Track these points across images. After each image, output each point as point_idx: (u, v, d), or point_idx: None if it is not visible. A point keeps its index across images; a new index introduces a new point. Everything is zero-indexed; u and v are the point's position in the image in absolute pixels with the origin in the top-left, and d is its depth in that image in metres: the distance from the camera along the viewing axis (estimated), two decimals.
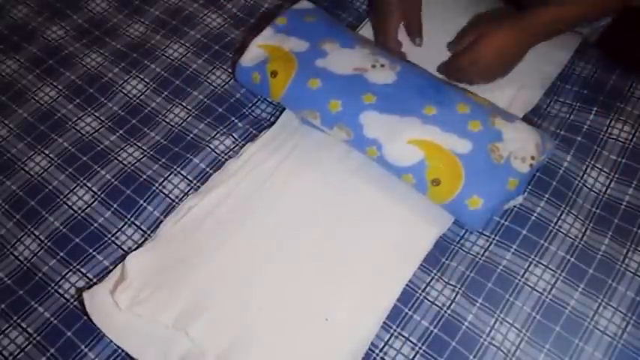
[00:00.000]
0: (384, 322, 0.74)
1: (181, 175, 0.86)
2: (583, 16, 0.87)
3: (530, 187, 0.83)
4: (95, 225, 0.82)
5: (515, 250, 0.78)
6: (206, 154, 0.87)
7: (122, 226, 0.81)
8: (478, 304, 0.74)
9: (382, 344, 0.73)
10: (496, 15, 0.91)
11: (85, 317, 0.74)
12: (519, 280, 0.76)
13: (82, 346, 0.73)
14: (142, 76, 0.96)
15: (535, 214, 0.81)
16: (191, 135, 0.90)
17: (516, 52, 0.87)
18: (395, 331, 0.73)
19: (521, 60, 0.87)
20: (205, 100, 0.93)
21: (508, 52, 0.86)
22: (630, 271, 0.77)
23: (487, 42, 0.85)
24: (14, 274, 0.78)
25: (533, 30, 0.85)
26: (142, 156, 0.87)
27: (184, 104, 0.93)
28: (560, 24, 0.86)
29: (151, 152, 0.88)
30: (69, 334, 0.74)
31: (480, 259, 0.78)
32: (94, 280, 0.78)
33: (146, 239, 0.80)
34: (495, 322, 0.73)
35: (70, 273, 0.78)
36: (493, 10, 0.96)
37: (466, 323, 0.73)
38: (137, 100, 0.94)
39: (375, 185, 0.84)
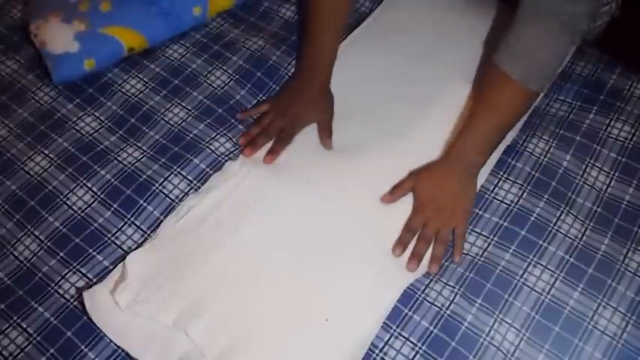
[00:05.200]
0: (384, 322, 0.74)
1: (181, 175, 0.85)
2: (502, 123, 0.81)
3: (529, 187, 0.83)
4: (95, 225, 0.82)
5: (514, 250, 0.78)
6: (206, 155, 0.87)
7: (122, 226, 0.82)
8: (477, 305, 0.74)
9: (382, 344, 0.73)
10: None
11: (85, 317, 0.74)
12: (518, 281, 0.76)
13: (82, 346, 0.73)
14: (141, 76, 0.96)
15: (534, 215, 0.81)
16: (191, 135, 0.90)
17: (463, 183, 0.82)
18: (395, 331, 0.73)
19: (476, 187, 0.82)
20: (205, 100, 0.93)
21: (452, 185, 0.81)
22: (630, 271, 0.77)
23: (424, 182, 0.81)
24: (14, 274, 0.78)
25: (462, 156, 0.81)
26: (141, 156, 0.87)
27: (184, 104, 0.93)
28: (483, 140, 0.80)
29: (151, 152, 0.88)
30: (69, 334, 0.74)
31: (478, 259, 0.78)
32: (94, 280, 0.78)
33: (146, 239, 0.80)
34: (495, 323, 0.73)
35: (70, 273, 0.78)
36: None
37: (465, 323, 0.73)
38: (137, 100, 0.94)
39: (375, 186, 0.84)
